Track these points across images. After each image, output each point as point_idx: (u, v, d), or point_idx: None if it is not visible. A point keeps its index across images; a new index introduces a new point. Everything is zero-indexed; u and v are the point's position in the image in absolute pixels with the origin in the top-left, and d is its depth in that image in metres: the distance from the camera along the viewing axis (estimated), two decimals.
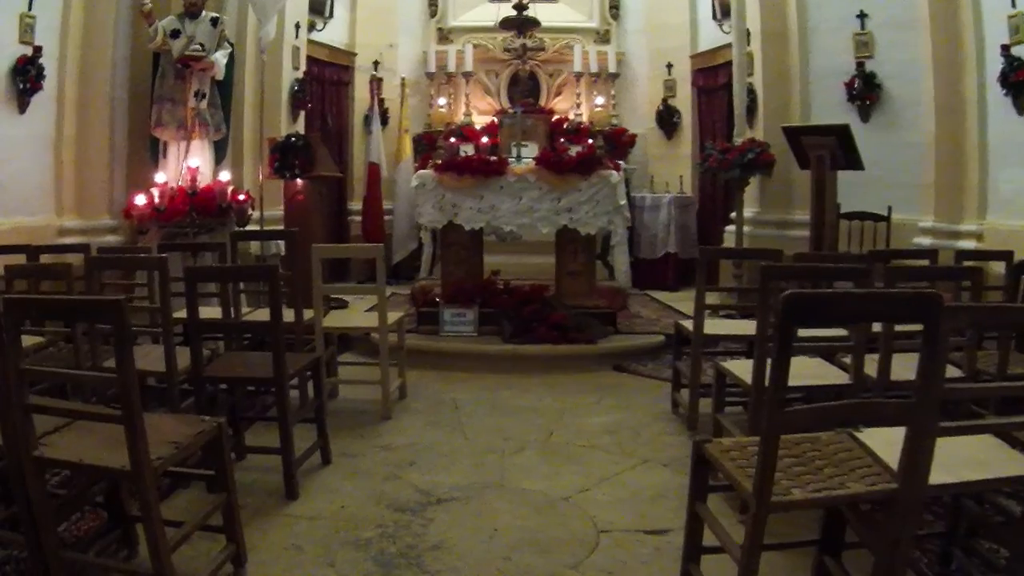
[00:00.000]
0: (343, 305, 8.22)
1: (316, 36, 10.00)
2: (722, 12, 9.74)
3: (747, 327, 4.99)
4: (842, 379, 3.77)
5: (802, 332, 4.27)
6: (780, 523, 2.91)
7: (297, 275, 5.12)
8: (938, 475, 2.29)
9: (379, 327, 5.08)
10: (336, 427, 4.81)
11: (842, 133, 5.97)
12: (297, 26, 8.99)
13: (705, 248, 4.92)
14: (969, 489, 2.62)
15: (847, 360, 3.80)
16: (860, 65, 7.58)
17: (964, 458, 2.47)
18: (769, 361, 2.26)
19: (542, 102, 10.97)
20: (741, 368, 3.97)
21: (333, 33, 10.43)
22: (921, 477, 2.24)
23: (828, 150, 6.03)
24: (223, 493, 3.03)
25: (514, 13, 9.87)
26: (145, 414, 3.31)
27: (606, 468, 4.28)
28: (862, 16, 7.55)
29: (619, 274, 9.41)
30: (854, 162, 6.06)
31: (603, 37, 11.10)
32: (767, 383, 2.32)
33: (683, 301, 8.89)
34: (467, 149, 10.15)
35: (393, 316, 5.39)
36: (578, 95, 10.91)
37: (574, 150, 9.45)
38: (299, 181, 6.82)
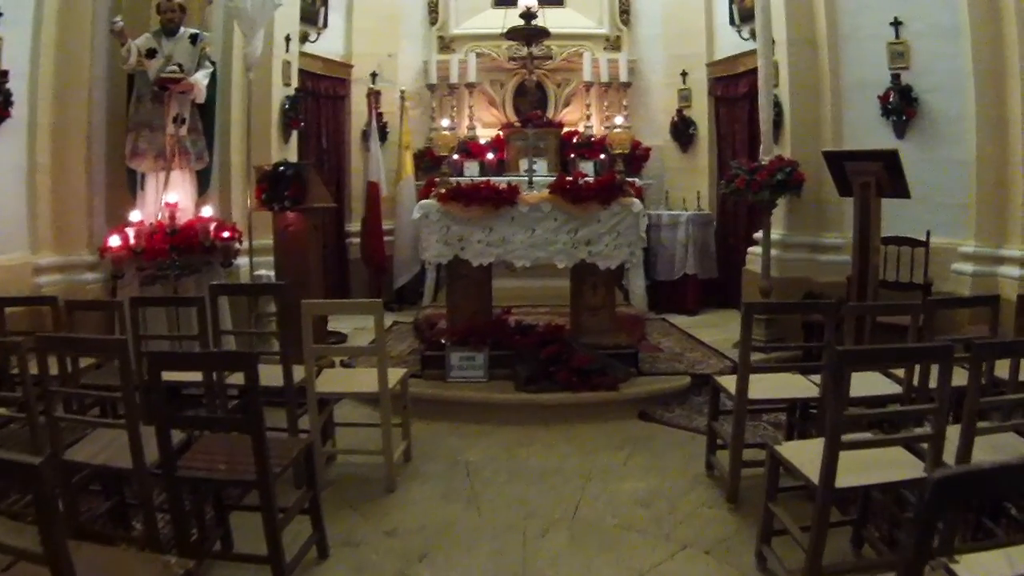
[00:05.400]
0: (342, 339, 7.72)
1: (309, 48, 9.33)
2: (740, 17, 9.14)
3: (793, 384, 4.47)
4: (916, 471, 3.19)
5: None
6: None
7: (287, 331, 4.54)
8: None
9: (380, 392, 4.50)
10: (334, 502, 4.33)
11: (889, 159, 5.38)
12: (287, 39, 8.26)
13: (751, 304, 4.33)
14: None
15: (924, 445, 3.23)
16: (896, 77, 6.99)
17: None
18: None
19: (550, 113, 10.42)
20: (801, 455, 3.36)
21: (328, 44, 9.76)
22: None
23: (874, 177, 5.44)
24: None
25: (521, 22, 9.29)
26: (100, 549, 2.80)
27: (642, 557, 3.75)
28: (896, 24, 6.96)
29: (635, 298, 8.85)
30: (901, 189, 5.47)
31: (614, 44, 10.48)
32: None
33: (704, 328, 8.37)
34: (471, 166, 9.66)
35: (395, 375, 4.79)
36: (588, 105, 10.34)
37: (587, 167, 8.96)
38: (289, 214, 6.25)
